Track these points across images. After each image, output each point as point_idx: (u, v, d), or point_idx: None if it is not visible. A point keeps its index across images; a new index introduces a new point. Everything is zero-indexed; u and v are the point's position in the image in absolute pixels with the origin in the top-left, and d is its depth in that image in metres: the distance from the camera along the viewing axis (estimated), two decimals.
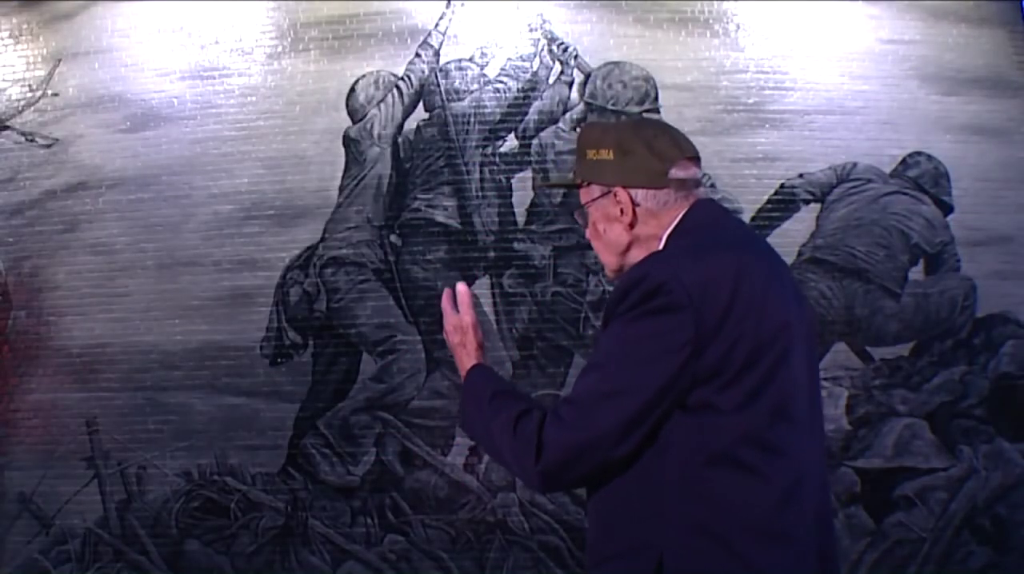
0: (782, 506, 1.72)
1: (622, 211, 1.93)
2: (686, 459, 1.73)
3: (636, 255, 1.93)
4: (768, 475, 1.72)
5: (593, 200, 1.96)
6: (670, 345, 1.73)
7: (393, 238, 6.57)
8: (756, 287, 1.78)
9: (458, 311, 2.10)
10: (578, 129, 6.44)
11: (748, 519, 1.70)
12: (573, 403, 1.78)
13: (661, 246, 1.89)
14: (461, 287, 2.10)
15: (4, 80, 6.98)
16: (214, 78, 6.77)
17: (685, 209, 1.91)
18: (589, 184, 1.97)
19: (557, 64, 6.70)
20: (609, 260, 1.99)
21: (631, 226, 1.93)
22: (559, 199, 6.49)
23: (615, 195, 1.93)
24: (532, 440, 1.78)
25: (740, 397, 1.73)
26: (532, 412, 1.83)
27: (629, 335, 1.76)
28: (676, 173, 1.90)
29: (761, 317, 1.76)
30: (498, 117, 6.66)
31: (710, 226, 1.88)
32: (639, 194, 1.92)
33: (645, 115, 6.57)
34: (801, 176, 6.66)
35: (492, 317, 6.41)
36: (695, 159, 1.95)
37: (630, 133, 1.96)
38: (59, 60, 6.92)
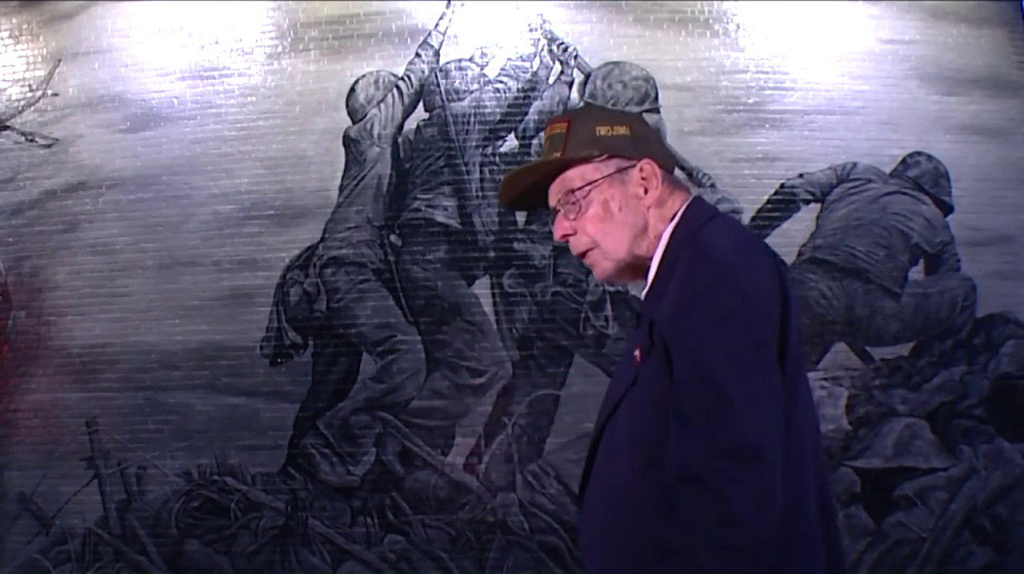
0: (793, 507, 1.69)
1: (646, 189, 1.81)
2: None
3: (643, 243, 1.83)
4: (784, 479, 1.69)
5: (606, 176, 1.81)
6: (764, 341, 1.65)
7: (393, 238, 6.57)
8: (790, 290, 1.74)
9: None
10: None
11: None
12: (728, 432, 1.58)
13: (663, 242, 1.81)
14: None
15: (4, 80, 6.98)
16: (214, 78, 6.77)
17: (686, 201, 1.84)
18: (608, 158, 1.82)
19: (557, 64, 6.70)
20: (617, 246, 1.83)
21: (648, 207, 1.81)
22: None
23: (640, 168, 1.81)
24: (724, 496, 1.57)
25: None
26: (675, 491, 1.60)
27: (727, 338, 1.62)
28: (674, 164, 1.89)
29: (796, 321, 1.73)
30: (498, 117, 6.66)
31: (719, 223, 1.80)
32: (661, 172, 1.83)
33: (645, 115, 6.58)
34: (801, 176, 6.66)
35: (492, 317, 6.41)
36: None
37: (636, 117, 1.92)
38: (59, 60, 6.92)
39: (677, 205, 1.83)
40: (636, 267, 1.86)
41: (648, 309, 1.77)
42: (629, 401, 1.75)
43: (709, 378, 1.61)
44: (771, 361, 1.65)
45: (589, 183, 1.82)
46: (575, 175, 1.84)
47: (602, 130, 1.82)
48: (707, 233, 1.75)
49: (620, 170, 1.82)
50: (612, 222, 1.81)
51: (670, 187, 1.84)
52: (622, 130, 1.83)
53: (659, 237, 1.82)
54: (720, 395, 1.59)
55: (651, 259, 1.83)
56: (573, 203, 1.83)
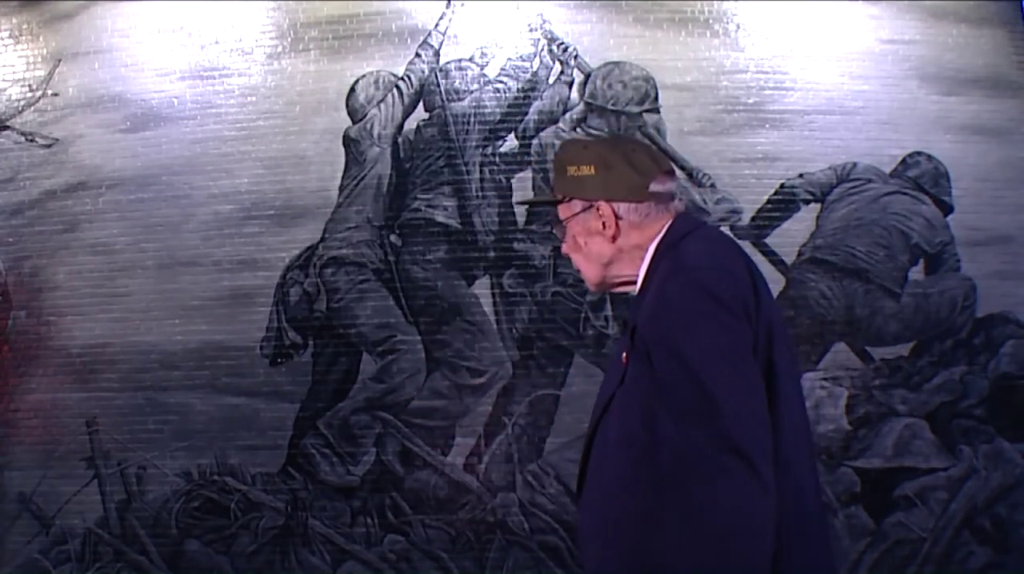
0: (789, 505, 1.73)
1: (604, 225, 1.97)
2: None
3: (620, 267, 1.99)
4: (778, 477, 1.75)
5: (574, 215, 2.00)
6: (740, 339, 1.76)
7: (393, 238, 6.57)
8: (761, 285, 1.86)
9: None
10: (578, 130, 6.46)
11: None
12: (716, 437, 1.67)
13: (648, 258, 1.94)
14: None
15: (4, 80, 6.98)
16: (214, 78, 6.77)
17: (668, 221, 1.97)
18: (570, 199, 2.01)
19: (557, 64, 6.70)
20: (591, 273, 2.03)
21: (613, 239, 1.97)
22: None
23: (597, 209, 1.97)
24: (719, 489, 1.66)
25: None
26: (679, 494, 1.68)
27: (703, 338, 1.74)
28: (655, 187, 1.97)
29: (766, 314, 1.83)
30: (498, 117, 6.66)
31: (697, 234, 1.93)
32: (621, 207, 1.97)
33: (645, 115, 6.59)
34: (801, 176, 6.66)
35: (492, 317, 6.41)
36: (671, 173, 2.02)
37: (609, 148, 2.01)
38: (59, 60, 6.92)
39: (658, 226, 1.97)
40: (620, 283, 2.04)
41: (632, 315, 1.91)
42: (618, 401, 1.86)
43: (692, 376, 1.71)
44: (749, 358, 1.75)
45: (568, 217, 2.03)
46: (560, 208, 2.05)
47: (571, 169, 2.00)
48: (683, 245, 1.90)
49: (584, 209, 1.99)
50: (582, 254, 2.03)
51: (640, 216, 1.97)
52: (587, 170, 1.98)
53: (644, 254, 1.96)
54: (704, 391, 1.70)
55: (637, 274, 1.98)
56: (562, 230, 2.07)
